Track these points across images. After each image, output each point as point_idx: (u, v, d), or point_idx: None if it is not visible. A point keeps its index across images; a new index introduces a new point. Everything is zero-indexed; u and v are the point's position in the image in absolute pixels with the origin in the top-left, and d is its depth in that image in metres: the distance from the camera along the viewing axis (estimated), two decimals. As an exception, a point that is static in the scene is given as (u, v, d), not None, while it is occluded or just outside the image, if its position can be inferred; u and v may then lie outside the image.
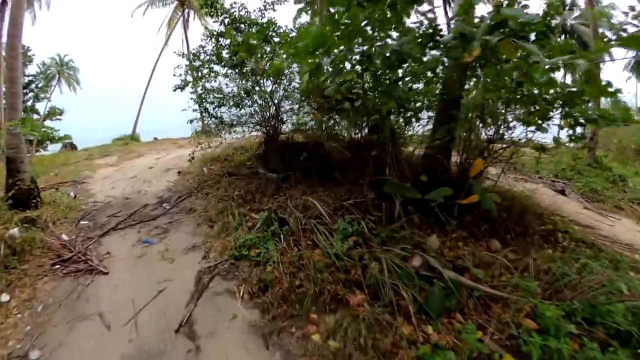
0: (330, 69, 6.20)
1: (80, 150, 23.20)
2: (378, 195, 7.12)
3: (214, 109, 9.88)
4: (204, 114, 10.29)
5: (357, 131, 8.98)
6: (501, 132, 7.21)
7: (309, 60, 6.09)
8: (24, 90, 36.42)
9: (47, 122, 37.87)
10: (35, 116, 36.11)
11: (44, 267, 6.56)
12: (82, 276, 6.36)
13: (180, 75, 10.78)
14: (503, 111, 7.05)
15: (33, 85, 36.82)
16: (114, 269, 6.57)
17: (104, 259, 6.93)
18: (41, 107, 37.71)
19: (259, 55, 8.80)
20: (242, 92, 9.29)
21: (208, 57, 10.67)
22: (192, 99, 10.43)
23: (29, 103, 36.30)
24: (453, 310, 5.07)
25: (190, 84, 10.45)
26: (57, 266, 6.66)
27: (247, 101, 9.93)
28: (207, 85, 10.52)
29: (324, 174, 9.83)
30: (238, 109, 10.04)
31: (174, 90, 10.22)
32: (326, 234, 6.51)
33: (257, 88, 9.46)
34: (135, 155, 17.03)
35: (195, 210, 8.67)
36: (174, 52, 12.01)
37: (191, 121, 10.62)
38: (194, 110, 11.03)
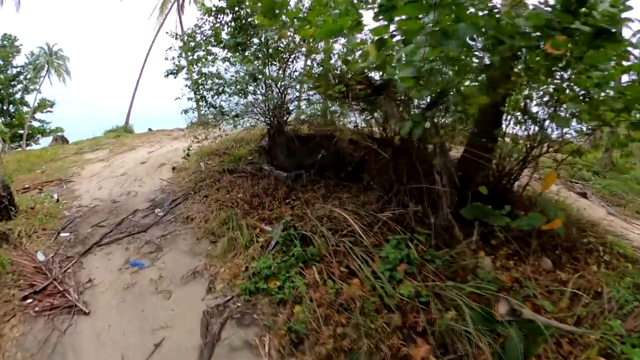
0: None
1: (71, 144, 21.45)
2: (421, 206, 5.45)
3: (212, 97, 8.11)
4: (200, 103, 8.48)
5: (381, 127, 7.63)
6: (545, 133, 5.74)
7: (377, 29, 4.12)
8: (12, 82, 33.47)
9: (38, 115, 36.10)
10: (25, 109, 33.45)
11: (13, 302, 4.88)
12: (59, 316, 4.74)
13: (174, 59, 9.19)
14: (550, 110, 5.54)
15: (22, 77, 33.82)
16: (97, 307, 4.89)
17: (85, 290, 5.25)
18: (31, 99, 34.57)
19: (282, 20, 6.94)
20: (246, 77, 7.50)
21: (205, 38, 8.73)
22: (186, 85, 8.66)
23: (18, 95, 33.42)
24: (531, 354, 3.80)
25: (185, 70, 8.69)
26: (29, 300, 5.01)
27: (250, 87, 8.19)
28: (204, 70, 8.67)
29: (341, 174, 8.22)
30: (240, 97, 8.28)
31: (166, 76, 8.56)
32: (365, 258, 4.88)
33: (265, 72, 7.67)
34: (127, 149, 14.97)
35: (193, 219, 6.93)
36: (166, 33, 10.13)
37: (185, 111, 8.83)
38: (189, 99, 9.52)
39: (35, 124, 34.89)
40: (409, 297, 4.24)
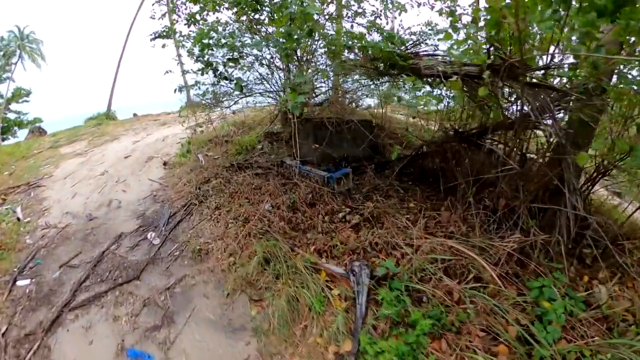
0: None
1: (48, 135, 17.94)
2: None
3: (225, 63, 4.70)
4: (205, 74, 4.99)
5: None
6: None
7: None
8: (-20, 72, 27.34)
9: (13, 106, 30.86)
10: (-2, 100, 27.63)
11: None
12: None
13: (163, 17, 6.25)
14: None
15: (-9, 65, 27.81)
16: None
17: None
18: (4, 89, 28.29)
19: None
20: (263, 42, 4.54)
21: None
22: (188, 51, 5.39)
23: (-12, 86, 27.12)
24: None
25: (179, 34, 5.76)
26: None
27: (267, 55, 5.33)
28: (211, 18, 5.68)
29: (385, 171, 5.64)
30: (258, 68, 5.39)
31: (153, 40, 5.76)
32: (499, 310, 2.75)
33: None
34: (109, 139, 11.24)
35: (208, 253, 4.14)
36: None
37: (180, 89, 5.72)
38: (184, 72, 6.65)
39: (11, 115, 28.84)
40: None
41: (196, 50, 4.21)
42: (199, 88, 5.52)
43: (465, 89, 4.15)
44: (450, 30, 4.11)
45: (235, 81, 4.12)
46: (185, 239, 4.41)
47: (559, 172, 3.41)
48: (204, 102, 6.16)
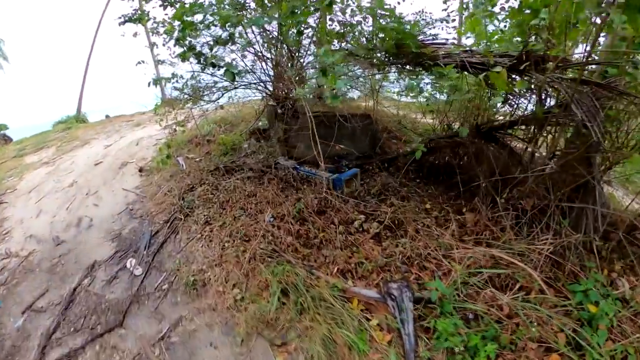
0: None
1: (13, 143, 16.06)
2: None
3: (212, 46, 3.61)
4: (188, 57, 3.65)
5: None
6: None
7: None
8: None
9: None
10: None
11: None
12: None
13: None
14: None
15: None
16: None
17: None
18: None
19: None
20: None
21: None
22: (166, 31, 4.25)
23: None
24: None
25: (153, 20, 4.39)
26: None
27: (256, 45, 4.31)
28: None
29: (389, 168, 4.93)
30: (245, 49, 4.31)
31: (122, 24, 4.61)
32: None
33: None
34: (79, 144, 9.72)
35: (206, 284, 3.16)
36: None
37: (155, 82, 4.43)
38: (160, 63, 5.54)
39: (-28, 123, 26.49)
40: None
41: (176, 31, 3.18)
42: (177, 81, 4.47)
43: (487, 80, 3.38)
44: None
45: (225, 67, 3.09)
46: (174, 267, 3.42)
47: (589, 170, 3.03)
48: (182, 97, 5.09)
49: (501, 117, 3.98)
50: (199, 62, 3.24)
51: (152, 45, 5.13)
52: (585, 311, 2.49)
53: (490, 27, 3.68)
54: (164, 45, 4.75)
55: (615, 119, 2.98)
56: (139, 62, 4.84)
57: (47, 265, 3.96)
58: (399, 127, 6.40)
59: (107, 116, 18.23)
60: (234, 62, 4.30)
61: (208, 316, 2.85)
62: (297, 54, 4.59)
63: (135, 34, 5.44)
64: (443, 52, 3.50)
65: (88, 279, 3.53)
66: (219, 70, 3.03)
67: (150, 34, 4.58)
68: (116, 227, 4.38)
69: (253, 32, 3.93)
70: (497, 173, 3.54)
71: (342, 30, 4.34)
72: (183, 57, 3.31)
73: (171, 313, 2.95)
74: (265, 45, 4.40)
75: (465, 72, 3.36)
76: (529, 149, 3.63)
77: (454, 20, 4.96)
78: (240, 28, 3.53)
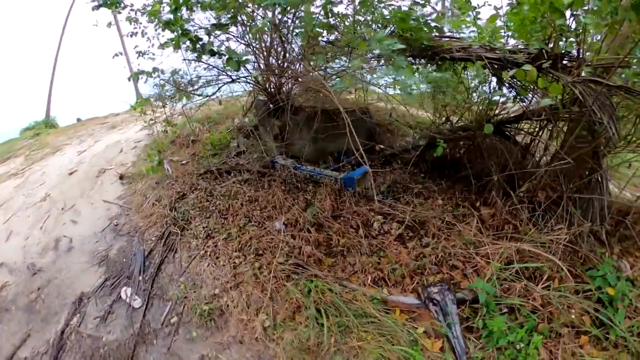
0: None
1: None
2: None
3: (211, 30, 2.68)
4: (181, 43, 2.71)
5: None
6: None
7: None
8: None
9: None
10: None
11: None
12: None
13: None
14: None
15: None
16: None
17: None
18: None
19: None
20: None
21: None
22: (150, 13, 3.10)
23: None
24: None
25: (129, 7, 3.44)
26: None
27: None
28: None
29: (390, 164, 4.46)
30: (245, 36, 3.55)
31: (95, 9, 3.62)
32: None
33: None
34: (50, 151, 8.39)
35: (224, 314, 2.52)
36: None
37: (134, 77, 3.54)
38: (141, 55, 4.49)
39: None
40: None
41: (164, 13, 2.40)
42: (159, 76, 3.69)
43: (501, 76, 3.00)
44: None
45: (228, 55, 2.35)
46: (180, 294, 2.74)
47: (598, 163, 3.00)
48: (164, 94, 4.29)
49: (504, 111, 3.59)
50: (193, 50, 2.50)
51: (130, 35, 4.27)
52: (605, 294, 2.49)
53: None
54: (143, 36, 3.94)
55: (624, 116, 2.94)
56: (115, 55, 4.02)
57: (25, 301, 3.18)
58: (390, 121, 5.83)
59: (78, 119, 16.44)
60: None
61: (236, 351, 2.25)
62: (289, 45, 3.90)
63: (109, 24, 4.54)
64: (458, 46, 3.04)
65: (77, 317, 2.80)
66: (220, 58, 2.34)
67: (129, 22, 3.76)
68: (101, 248, 3.62)
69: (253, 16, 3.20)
70: (511, 167, 3.24)
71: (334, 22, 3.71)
72: (176, 44, 2.55)
73: (189, 353, 2.32)
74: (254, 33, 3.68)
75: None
76: (542, 143, 3.45)
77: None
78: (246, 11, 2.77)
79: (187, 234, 3.36)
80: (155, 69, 3.38)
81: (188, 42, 2.36)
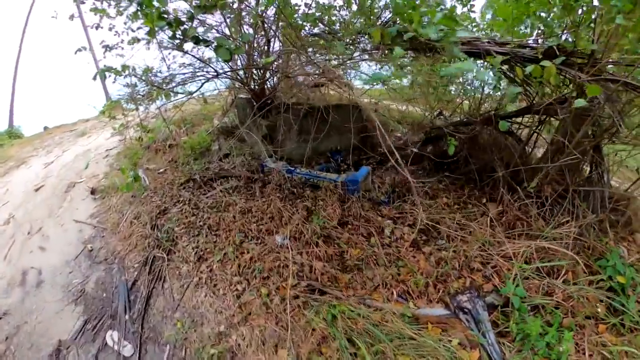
0: None
1: None
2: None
3: (193, 13, 1.71)
4: (159, 31, 1.86)
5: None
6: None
7: None
8: None
9: None
10: None
11: None
12: None
13: None
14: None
15: None
16: None
17: None
18: None
19: None
20: None
21: None
22: None
23: None
24: None
25: None
26: None
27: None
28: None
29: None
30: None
31: None
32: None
33: None
34: (14, 165, 7.13)
35: (236, 355, 1.96)
36: None
37: (105, 74, 2.54)
38: (108, 49, 3.78)
39: None
40: None
41: None
42: (130, 74, 2.98)
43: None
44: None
45: (217, 43, 1.71)
46: (178, 335, 2.15)
47: (600, 156, 2.90)
48: (140, 94, 3.58)
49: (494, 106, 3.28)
50: (173, 37, 1.88)
51: (96, 27, 3.48)
52: (616, 282, 2.40)
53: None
54: (110, 30, 3.22)
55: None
56: (79, 49, 3.28)
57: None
58: (382, 118, 5.34)
59: (45, 128, 14.72)
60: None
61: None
62: (274, 37, 3.30)
63: (72, 17, 3.74)
64: (465, 38, 2.66)
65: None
66: (206, 47, 1.75)
67: (94, 14, 3.01)
68: (76, 280, 2.94)
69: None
70: (517, 162, 2.97)
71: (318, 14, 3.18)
72: (151, 33, 1.88)
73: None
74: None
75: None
76: (542, 137, 3.25)
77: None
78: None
79: (175, 258, 2.77)
80: (125, 67, 2.69)
81: (166, 29, 1.74)
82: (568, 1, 2.32)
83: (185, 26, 1.66)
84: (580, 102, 1.89)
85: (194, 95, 3.43)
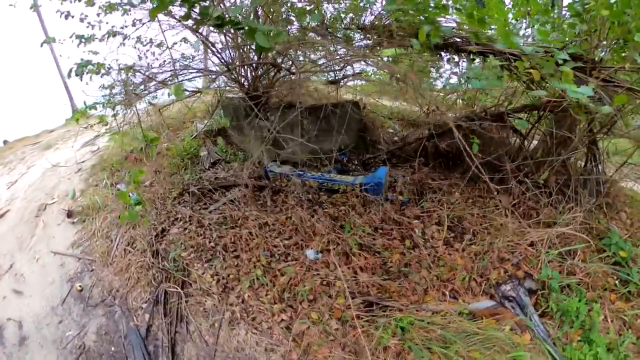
0: None
1: None
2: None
3: None
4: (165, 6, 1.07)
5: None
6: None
7: None
8: None
9: None
10: None
11: None
12: None
13: None
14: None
15: None
16: None
17: None
18: None
19: None
20: None
21: None
22: None
23: None
24: None
25: None
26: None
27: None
28: None
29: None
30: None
31: None
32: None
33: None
34: None
35: None
36: None
37: (84, 67, 2.09)
38: (83, 41, 2.81)
39: None
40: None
41: None
42: (108, 73, 2.26)
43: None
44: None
45: (249, 26, 1.15)
46: None
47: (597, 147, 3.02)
48: (112, 98, 2.83)
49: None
50: (186, 17, 1.24)
51: (65, 17, 2.60)
52: (619, 257, 2.55)
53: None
54: (82, 21, 2.44)
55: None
56: (44, 42, 2.47)
57: None
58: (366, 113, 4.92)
59: (5, 142, 12.21)
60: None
61: None
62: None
63: (32, 7, 2.84)
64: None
65: None
66: (236, 30, 1.15)
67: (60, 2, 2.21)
68: (70, 333, 2.24)
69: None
70: (526, 155, 2.99)
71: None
72: (161, 4, 1.22)
73: None
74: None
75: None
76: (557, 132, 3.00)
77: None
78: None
79: (193, 291, 2.19)
80: (100, 65, 1.99)
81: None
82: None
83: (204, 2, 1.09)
84: (606, 109, 1.78)
85: (194, 95, 2.76)
